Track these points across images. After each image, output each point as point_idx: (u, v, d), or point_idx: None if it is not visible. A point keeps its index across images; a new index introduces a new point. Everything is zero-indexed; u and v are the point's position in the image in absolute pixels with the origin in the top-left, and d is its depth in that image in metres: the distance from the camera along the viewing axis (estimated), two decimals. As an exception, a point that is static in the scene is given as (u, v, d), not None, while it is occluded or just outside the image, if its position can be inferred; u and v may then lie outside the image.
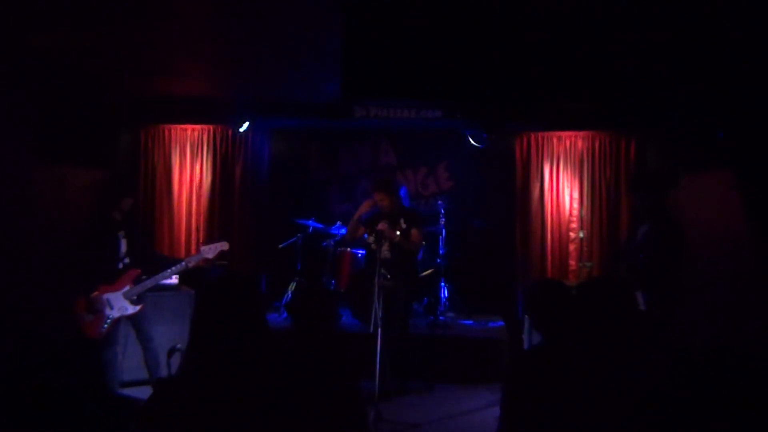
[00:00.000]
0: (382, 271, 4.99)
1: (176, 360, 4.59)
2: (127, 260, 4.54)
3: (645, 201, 4.33)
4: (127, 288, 4.47)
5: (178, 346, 4.67)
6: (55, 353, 4.72)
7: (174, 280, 5.41)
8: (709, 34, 4.03)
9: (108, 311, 4.41)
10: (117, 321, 4.47)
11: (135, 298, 4.49)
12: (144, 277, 4.57)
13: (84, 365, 4.56)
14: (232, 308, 1.79)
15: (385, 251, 5.34)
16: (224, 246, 4.77)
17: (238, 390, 1.71)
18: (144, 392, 4.63)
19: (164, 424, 1.72)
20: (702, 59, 4.52)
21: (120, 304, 4.45)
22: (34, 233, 5.21)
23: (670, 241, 4.18)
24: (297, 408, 1.75)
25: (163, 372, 4.62)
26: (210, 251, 4.70)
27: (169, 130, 6.94)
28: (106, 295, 4.43)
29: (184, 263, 4.62)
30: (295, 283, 6.93)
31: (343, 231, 6.78)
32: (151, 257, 4.80)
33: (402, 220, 5.30)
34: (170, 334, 5.00)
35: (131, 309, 4.48)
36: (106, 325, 4.40)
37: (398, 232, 5.24)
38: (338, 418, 1.76)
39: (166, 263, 4.69)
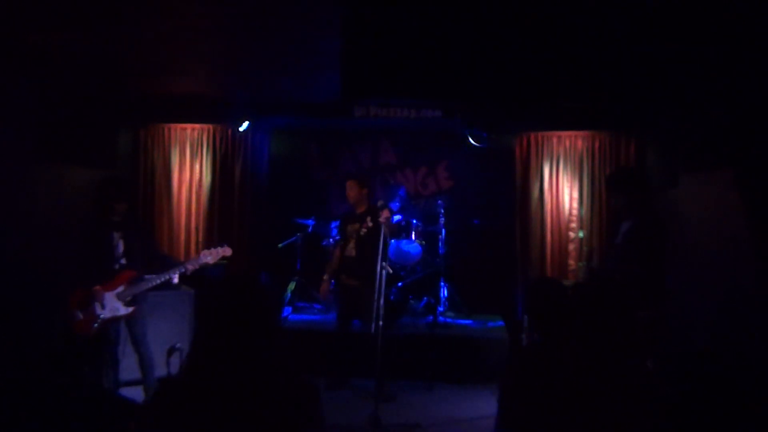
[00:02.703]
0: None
1: (176, 359, 4.60)
2: (123, 261, 4.51)
3: (620, 199, 4.31)
4: (121, 289, 4.43)
5: (178, 345, 4.68)
6: (55, 353, 4.73)
7: (174, 279, 5.41)
8: (708, 33, 4.03)
9: (99, 310, 4.37)
10: (109, 321, 4.44)
11: (129, 299, 4.46)
12: (147, 277, 4.54)
13: (84, 365, 4.56)
14: (236, 308, 1.79)
15: (350, 249, 5.32)
16: (226, 251, 4.67)
17: (240, 390, 1.71)
18: (138, 393, 4.64)
19: (164, 424, 1.72)
20: (702, 59, 4.52)
21: (112, 305, 4.40)
22: (33, 232, 5.21)
23: (649, 236, 4.13)
24: (285, 407, 1.74)
25: (161, 372, 4.61)
26: (211, 256, 4.61)
27: (169, 130, 6.94)
28: (100, 294, 4.39)
29: (182, 268, 4.54)
30: (295, 282, 6.94)
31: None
32: (155, 256, 4.77)
33: (369, 219, 5.28)
34: (169, 334, 5.00)
35: (124, 310, 4.44)
36: (96, 325, 4.36)
37: (365, 230, 5.19)
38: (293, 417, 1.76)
39: (168, 263, 4.66)
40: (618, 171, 5.79)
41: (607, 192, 5.40)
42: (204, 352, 1.78)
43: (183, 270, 4.54)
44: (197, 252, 6.72)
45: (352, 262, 5.27)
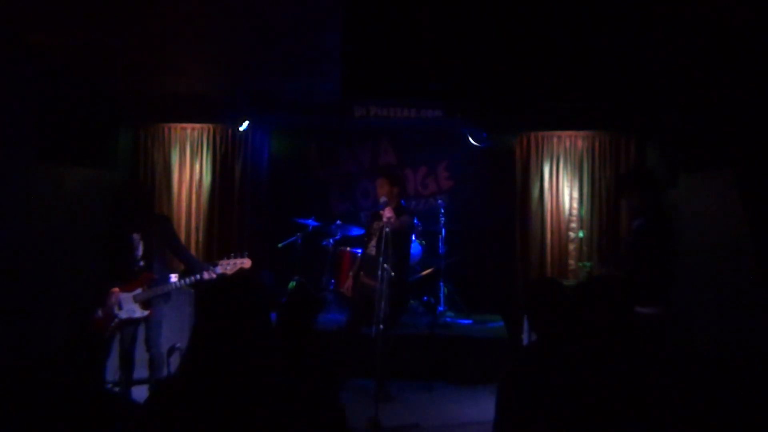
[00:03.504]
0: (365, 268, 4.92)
1: (176, 359, 4.60)
2: (142, 263, 4.49)
3: (632, 199, 4.37)
4: (138, 291, 4.44)
5: (178, 345, 4.68)
6: (55, 353, 4.73)
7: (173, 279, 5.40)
8: (708, 33, 4.03)
9: (116, 311, 4.39)
10: (125, 323, 4.44)
11: (145, 302, 4.47)
12: (169, 282, 4.51)
13: (84, 365, 4.56)
14: (234, 309, 1.79)
15: (371, 247, 5.26)
16: (246, 263, 4.60)
17: (238, 390, 1.71)
18: (143, 392, 4.65)
19: (164, 424, 1.72)
20: (701, 59, 4.53)
21: (129, 306, 4.41)
22: (32, 232, 5.20)
23: (656, 235, 4.20)
24: (284, 408, 1.75)
25: (163, 372, 4.61)
26: (228, 267, 4.54)
27: (169, 129, 6.93)
28: (117, 295, 4.41)
29: (199, 276, 4.50)
30: (294, 282, 6.94)
31: (346, 230, 6.85)
32: (182, 257, 4.73)
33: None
34: (170, 333, 4.99)
35: (139, 313, 4.44)
36: (112, 325, 4.38)
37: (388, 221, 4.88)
38: (317, 419, 1.76)
39: (192, 265, 4.62)
40: (631, 171, 5.86)
41: (618, 191, 5.43)
42: (202, 352, 1.78)
43: (198, 278, 4.52)
44: (197, 252, 6.75)
45: (371, 261, 5.16)
